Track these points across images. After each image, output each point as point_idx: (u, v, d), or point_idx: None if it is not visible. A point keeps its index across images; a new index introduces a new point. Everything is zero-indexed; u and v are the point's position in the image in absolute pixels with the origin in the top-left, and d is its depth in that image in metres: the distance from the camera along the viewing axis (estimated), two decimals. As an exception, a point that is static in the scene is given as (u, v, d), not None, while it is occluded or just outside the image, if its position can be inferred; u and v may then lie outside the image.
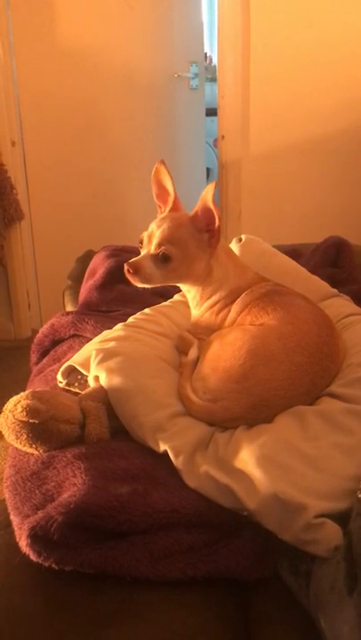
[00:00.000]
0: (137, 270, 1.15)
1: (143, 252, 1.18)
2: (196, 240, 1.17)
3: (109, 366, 1.10)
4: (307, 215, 2.84)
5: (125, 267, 1.16)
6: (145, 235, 1.19)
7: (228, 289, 1.21)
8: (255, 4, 2.61)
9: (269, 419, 1.01)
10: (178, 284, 1.26)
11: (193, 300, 1.26)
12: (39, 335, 1.52)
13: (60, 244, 3.12)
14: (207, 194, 1.14)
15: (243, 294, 1.19)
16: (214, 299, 1.22)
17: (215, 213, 1.14)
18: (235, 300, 1.20)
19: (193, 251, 1.17)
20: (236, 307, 1.19)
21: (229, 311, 1.19)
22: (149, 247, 1.17)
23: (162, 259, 1.15)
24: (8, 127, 2.92)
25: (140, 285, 1.18)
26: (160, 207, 1.27)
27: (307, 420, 0.99)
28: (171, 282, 1.22)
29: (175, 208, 1.24)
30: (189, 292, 1.26)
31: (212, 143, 4.00)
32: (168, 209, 1.24)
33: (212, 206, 1.14)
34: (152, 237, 1.17)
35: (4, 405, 0.97)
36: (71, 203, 3.18)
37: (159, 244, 1.15)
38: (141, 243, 1.20)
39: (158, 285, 1.21)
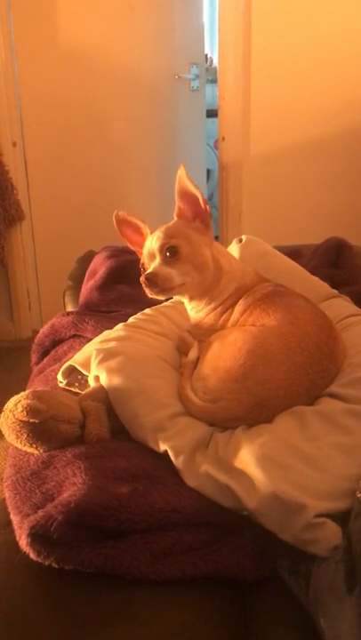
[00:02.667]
0: (155, 275, 1.11)
1: (152, 266, 1.15)
2: (192, 228, 1.18)
3: (110, 366, 1.10)
4: (307, 216, 2.85)
5: (143, 280, 1.12)
6: (145, 255, 1.18)
7: (235, 284, 1.20)
8: (256, 5, 2.61)
9: (269, 419, 1.01)
10: (188, 294, 1.21)
11: (198, 304, 1.23)
12: (40, 335, 1.52)
13: (61, 244, 3.13)
14: (182, 179, 1.13)
15: (245, 295, 1.19)
16: (220, 299, 1.20)
17: (198, 195, 1.14)
18: (237, 301, 1.19)
19: (194, 237, 1.16)
20: (238, 308, 1.19)
21: (232, 313, 1.19)
22: (153, 261, 1.15)
23: (171, 254, 1.13)
24: (9, 128, 2.92)
25: (161, 297, 1.15)
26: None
27: (307, 419, 0.99)
28: (190, 278, 1.15)
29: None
30: (193, 298, 1.22)
31: (212, 144, 4.00)
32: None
33: (191, 187, 1.14)
34: (152, 251, 1.16)
35: (4, 405, 0.98)
36: (72, 203, 3.18)
37: (162, 246, 1.14)
38: (143, 265, 1.18)
39: (180, 289, 1.16)
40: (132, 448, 1.00)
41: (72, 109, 3.07)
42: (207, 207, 1.17)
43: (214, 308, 1.21)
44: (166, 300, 1.34)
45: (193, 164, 3.49)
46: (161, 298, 1.19)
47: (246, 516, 0.88)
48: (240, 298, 1.19)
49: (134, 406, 1.04)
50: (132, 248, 1.27)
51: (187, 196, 1.17)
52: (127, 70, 3.10)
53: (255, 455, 0.90)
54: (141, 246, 1.21)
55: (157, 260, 1.15)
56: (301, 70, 2.70)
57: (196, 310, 1.24)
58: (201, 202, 1.16)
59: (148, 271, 1.13)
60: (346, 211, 2.81)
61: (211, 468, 0.92)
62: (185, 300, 1.25)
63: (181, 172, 1.14)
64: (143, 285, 1.13)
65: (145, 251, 1.18)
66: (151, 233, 1.20)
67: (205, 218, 1.18)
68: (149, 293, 1.14)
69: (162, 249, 1.14)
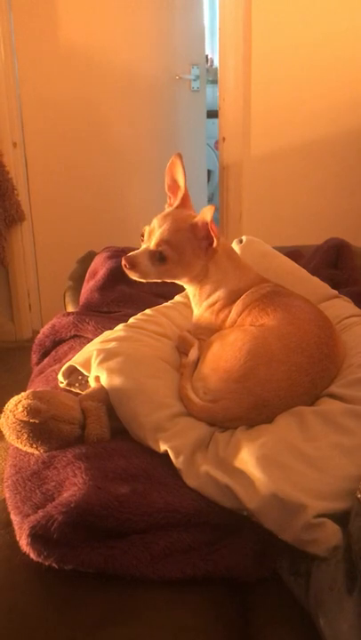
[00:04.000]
0: (134, 265, 1.19)
1: (143, 247, 1.20)
2: (193, 246, 1.19)
3: (110, 366, 1.10)
4: (307, 217, 2.85)
5: (123, 260, 1.20)
6: (147, 229, 1.21)
7: (227, 290, 1.22)
8: (257, 6, 2.62)
9: (270, 419, 1.01)
10: (175, 281, 1.27)
11: (193, 297, 1.27)
12: (40, 336, 1.52)
13: (61, 244, 3.13)
14: (208, 216, 1.15)
15: (243, 295, 1.20)
16: (213, 298, 1.22)
17: (214, 233, 1.16)
18: (235, 301, 1.20)
19: (189, 256, 1.19)
20: (236, 307, 1.19)
21: (230, 311, 1.20)
22: (149, 243, 1.19)
23: (158, 258, 1.18)
24: (9, 128, 2.92)
25: (135, 279, 1.21)
26: (170, 198, 1.28)
27: (307, 420, 0.99)
28: (165, 279, 1.24)
29: (184, 203, 1.25)
30: (189, 289, 1.27)
31: (213, 145, 4.01)
32: (176, 204, 1.25)
33: (211, 230, 1.16)
34: (153, 234, 1.19)
35: (4, 405, 0.98)
36: (72, 204, 3.18)
37: (158, 244, 1.17)
38: (143, 236, 1.22)
39: (154, 280, 1.23)
40: (132, 448, 1.01)
41: (73, 110, 3.08)
42: (216, 247, 1.19)
43: (211, 305, 1.22)
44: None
45: (193, 165, 3.49)
46: (142, 280, 1.23)
47: (246, 516, 0.88)
48: (234, 300, 1.20)
49: (134, 406, 1.04)
50: (167, 191, 1.29)
51: (205, 224, 1.17)
52: (128, 71, 3.10)
53: (255, 455, 0.90)
54: (174, 193, 1.26)
55: (148, 247, 1.18)
56: (302, 71, 2.70)
57: (193, 303, 1.27)
58: (214, 242, 1.17)
59: (130, 254, 1.19)
60: (346, 211, 2.82)
61: (211, 469, 0.92)
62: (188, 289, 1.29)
63: (210, 214, 1.14)
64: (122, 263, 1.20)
65: (150, 226, 1.21)
66: (181, 202, 1.24)
67: (210, 246, 1.19)
68: (127, 273, 1.20)
69: (156, 245, 1.17)
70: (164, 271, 1.20)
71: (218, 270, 1.22)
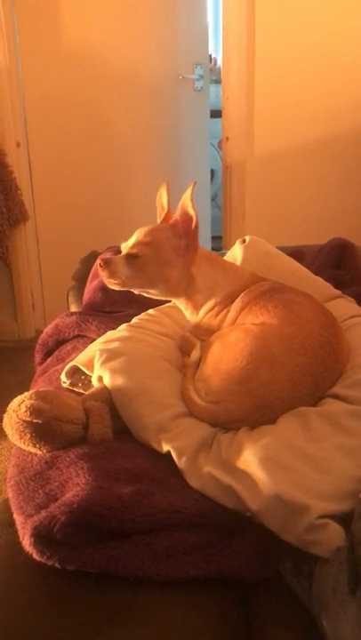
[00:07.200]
0: (107, 264, 1.19)
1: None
2: (172, 245, 1.18)
3: (113, 367, 1.10)
4: (311, 217, 2.84)
5: (98, 261, 1.20)
6: (124, 245, 1.22)
7: (223, 294, 1.21)
8: (260, 5, 2.61)
9: (272, 420, 1.01)
10: (161, 296, 1.25)
11: (185, 310, 1.26)
12: (43, 335, 1.52)
13: (65, 244, 3.13)
14: (186, 197, 1.15)
15: (242, 294, 1.19)
16: (209, 304, 1.22)
17: (193, 216, 1.15)
18: (233, 301, 1.20)
19: (166, 254, 1.18)
20: (235, 306, 1.19)
21: (229, 311, 1.19)
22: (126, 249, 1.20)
23: (132, 257, 1.18)
24: (13, 128, 2.93)
25: (111, 284, 1.21)
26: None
27: (310, 421, 0.99)
28: (143, 284, 1.21)
29: (167, 220, 1.25)
30: (178, 303, 1.26)
31: (216, 145, 4.00)
32: (159, 221, 1.26)
33: (190, 210, 1.15)
34: (128, 242, 1.21)
35: (7, 405, 0.98)
36: (75, 203, 3.18)
37: (131, 247, 1.18)
38: (121, 252, 1.22)
39: (133, 289, 1.22)
40: (134, 449, 1.00)
41: (76, 110, 3.08)
42: (197, 232, 1.18)
43: (209, 310, 1.21)
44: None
45: (196, 165, 3.49)
46: (115, 287, 1.23)
47: (249, 517, 0.88)
48: (233, 301, 1.19)
49: (137, 407, 1.04)
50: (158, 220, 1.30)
51: (185, 215, 1.18)
52: (131, 71, 3.10)
53: (258, 456, 0.90)
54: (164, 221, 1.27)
55: (123, 252, 1.20)
56: (305, 71, 2.69)
57: (187, 315, 1.26)
58: (193, 225, 1.17)
59: (106, 256, 1.21)
60: (350, 211, 2.81)
61: (213, 469, 0.92)
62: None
63: (188, 192, 1.15)
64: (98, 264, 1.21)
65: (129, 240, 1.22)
66: (164, 219, 1.26)
67: (191, 242, 1.18)
68: (102, 275, 1.20)
69: (131, 247, 1.18)
70: (138, 270, 1.17)
71: (205, 278, 1.21)
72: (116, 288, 1.22)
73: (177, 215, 1.18)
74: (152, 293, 1.23)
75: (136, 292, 1.24)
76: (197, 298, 1.22)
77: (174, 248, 1.18)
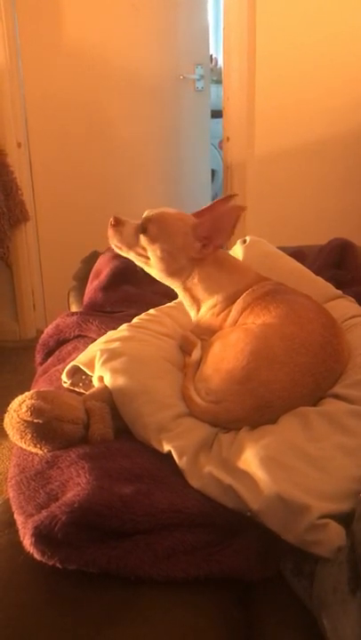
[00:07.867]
0: (118, 223, 1.20)
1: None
2: (186, 241, 1.18)
3: (114, 366, 1.10)
4: (311, 217, 2.84)
5: (111, 219, 1.21)
6: (148, 211, 1.22)
7: (226, 294, 1.21)
8: (261, 5, 2.61)
9: (273, 420, 1.01)
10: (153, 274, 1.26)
11: (184, 300, 1.27)
12: (44, 335, 1.52)
13: (65, 244, 3.13)
14: (238, 212, 1.17)
15: (244, 294, 1.19)
16: (212, 302, 1.22)
17: (229, 234, 1.17)
18: (235, 301, 1.20)
19: (175, 248, 1.18)
20: (237, 306, 1.18)
21: (230, 311, 1.19)
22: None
23: (141, 229, 1.19)
24: (14, 128, 2.93)
25: (113, 243, 1.22)
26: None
27: (310, 421, 0.99)
28: (139, 259, 1.22)
29: (198, 216, 1.25)
30: (176, 289, 1.27)
31: (217, 145, 4.00)
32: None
33: (230, 226, 1.17)
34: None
35: (8, 405, 0.98)
36: (76, 204, 3.19)
37: (149, 220, 1.19)
38: None
39: (130, 258, 1.23)
40: (135, 448, 1.00)
41: (77, 110, 3.08)
42: (216, 249, 1.19)
43: (210, 307, 1.22)
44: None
45: (197, 165, 3.49)
46: (114, 248, 1.24)
47: (250, 516, 0.88)
48: (235, 301, 1.19)
49: (138, 406, 1.04)
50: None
51: (218, 222, 1.18)
52: (132, 71, 3.10)
53: (259, 456, 0.90)
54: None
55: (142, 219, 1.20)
56: (306, 71, 2.69)
57: (186, 307, 1.27)
58: (215, 243, 1.18)
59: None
60: (350, 211, 2.81)
61: (214, 469, 0.92)
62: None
63: (240, 209, 1.17)
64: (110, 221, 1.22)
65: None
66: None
67: (207, 250, 1.19)
68: (110, 238, 1.22)
69: (147, 219, 1.19)
70: (141, 248, 1.19)
71: (208, 279, 1.21)
72: (116, 249, 1.23)
73: (208, 220, 1.18)
74: (149, 270, 1.25)
75: (136, 262, 1.25)
76: (199, 293, 1.22)
77: (186, 245, 1.18)
